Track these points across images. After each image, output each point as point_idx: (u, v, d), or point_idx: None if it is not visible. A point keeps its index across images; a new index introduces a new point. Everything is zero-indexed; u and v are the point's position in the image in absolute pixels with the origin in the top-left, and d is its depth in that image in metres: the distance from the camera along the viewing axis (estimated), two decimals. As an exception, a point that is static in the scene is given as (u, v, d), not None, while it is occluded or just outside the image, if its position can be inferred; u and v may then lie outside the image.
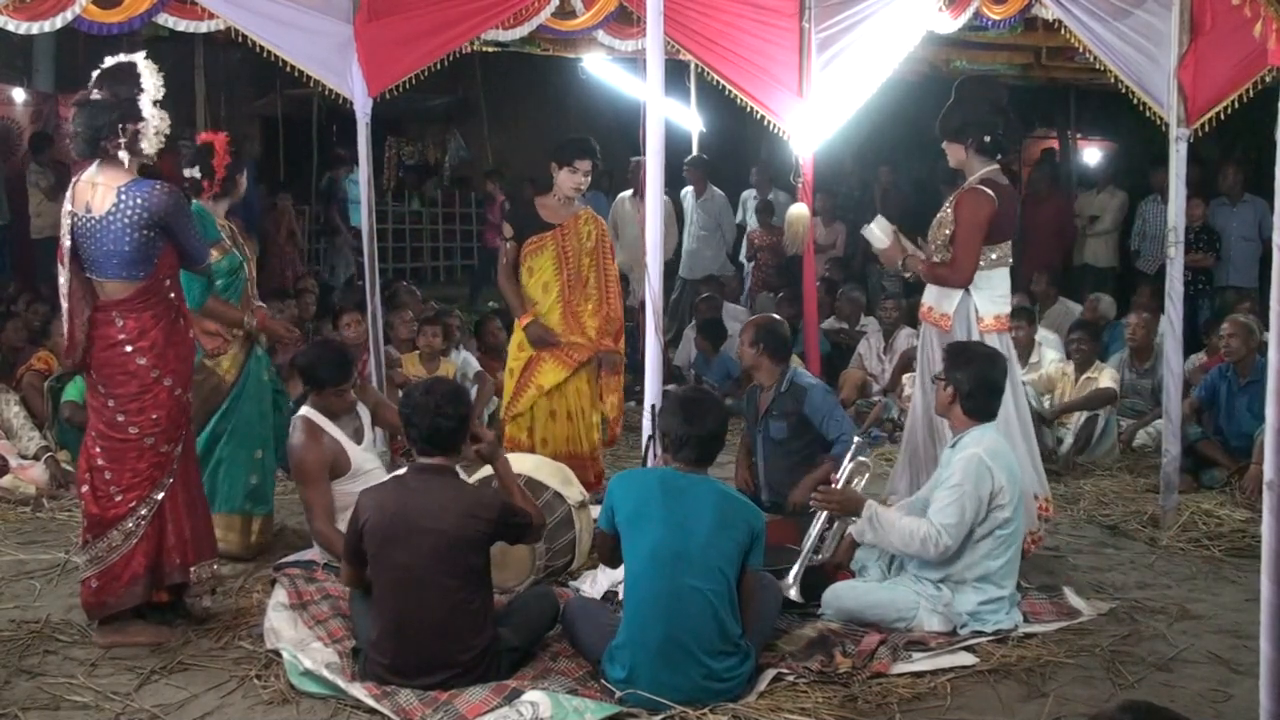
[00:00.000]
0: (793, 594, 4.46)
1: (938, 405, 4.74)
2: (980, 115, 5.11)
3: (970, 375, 4.55)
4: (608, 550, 4.10)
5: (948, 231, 5.09)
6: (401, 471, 4.25)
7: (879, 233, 5.27)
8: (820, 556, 4.59)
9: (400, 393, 6.09)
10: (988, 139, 5.09)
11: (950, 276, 5.07)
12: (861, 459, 4.72)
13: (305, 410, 5.08)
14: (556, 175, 5.95)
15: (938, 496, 4.47)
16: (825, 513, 4.60)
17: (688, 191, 11.00)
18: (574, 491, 5.13)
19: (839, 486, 4.59)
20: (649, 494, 3.94)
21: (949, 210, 5.12)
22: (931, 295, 5.21)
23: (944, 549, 4.39)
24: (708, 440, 4.00)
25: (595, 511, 4.68)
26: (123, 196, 4.17)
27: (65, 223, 4.28)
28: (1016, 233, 5.39)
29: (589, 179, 5.97)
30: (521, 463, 5.00)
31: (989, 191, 5.02)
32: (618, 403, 6.19)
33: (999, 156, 5.17)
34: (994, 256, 5.10)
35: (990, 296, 5.10)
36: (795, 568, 4.51)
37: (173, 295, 4.38)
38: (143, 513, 4.32)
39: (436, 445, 4.04)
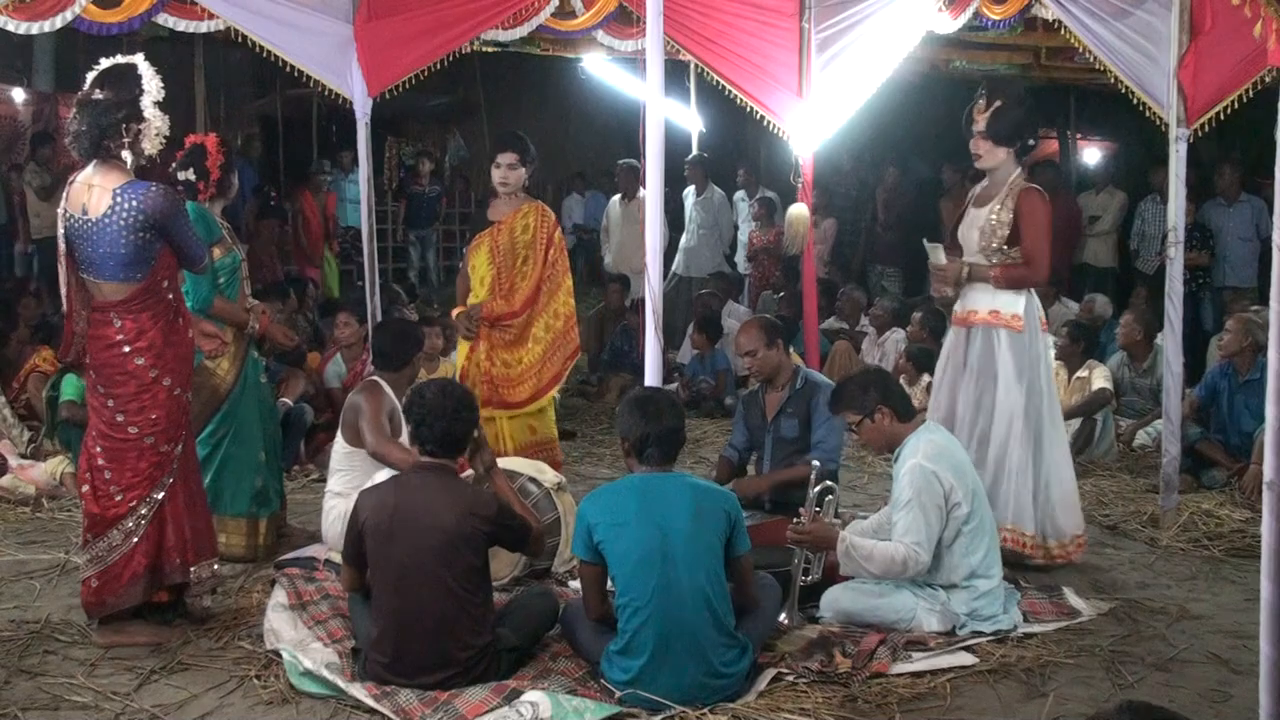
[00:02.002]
0: (784, 619, 4.43)
1: (879, 442, 4.69)
2: (1029, 119, 5.22)
3: (879, 389, 4.59)
4: (593, 584, 3.98)
5: (1005, 233, 5.11)
6: (401, 472, 4.25)
7: (937, 252, 5.31)
8: (809, 578, 4.57)
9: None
10: (1031, 142, 5.23)
11: (1031, 275, 5.12)
12: (828, 483, 4.65)
13: (375, 376, 5.18)
14: None
15: (898, 519, 4.45)
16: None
17: (689, 190, 11.02)
18: (548, 476, 5.19)
19: (807, 522, 4.51)
20: (623, 500, 3.93)
21: (1002, 212, 5.13)
22: (990, 299, 5.20)
23: (923, 565, 4.39)
24: (668, 436, 4.00)
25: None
26: (118, 198, 4.17)
27: (60, 225, 4.29)
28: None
29: (515, 170, 5.89)
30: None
31: (1043, 191, 5.15)
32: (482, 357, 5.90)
33: (1024, 159, 5.31)
34: None
35: (1037, 298, 5.24)
36: (789, 599, 4.47)
37: (171, 296, 4.37)
38: (143, 512, 4.32)
39: (445, 448, 4.06)
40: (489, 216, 6.01)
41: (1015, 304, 5.15)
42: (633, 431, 4.01)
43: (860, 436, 4.75)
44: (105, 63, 4.31)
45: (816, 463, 4.70)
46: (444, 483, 4.02)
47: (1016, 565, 5.08)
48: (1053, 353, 7.78)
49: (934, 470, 4.39)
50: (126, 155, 4.23)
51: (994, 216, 5.16)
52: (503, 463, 5.16)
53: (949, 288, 5.35)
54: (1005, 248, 5.14)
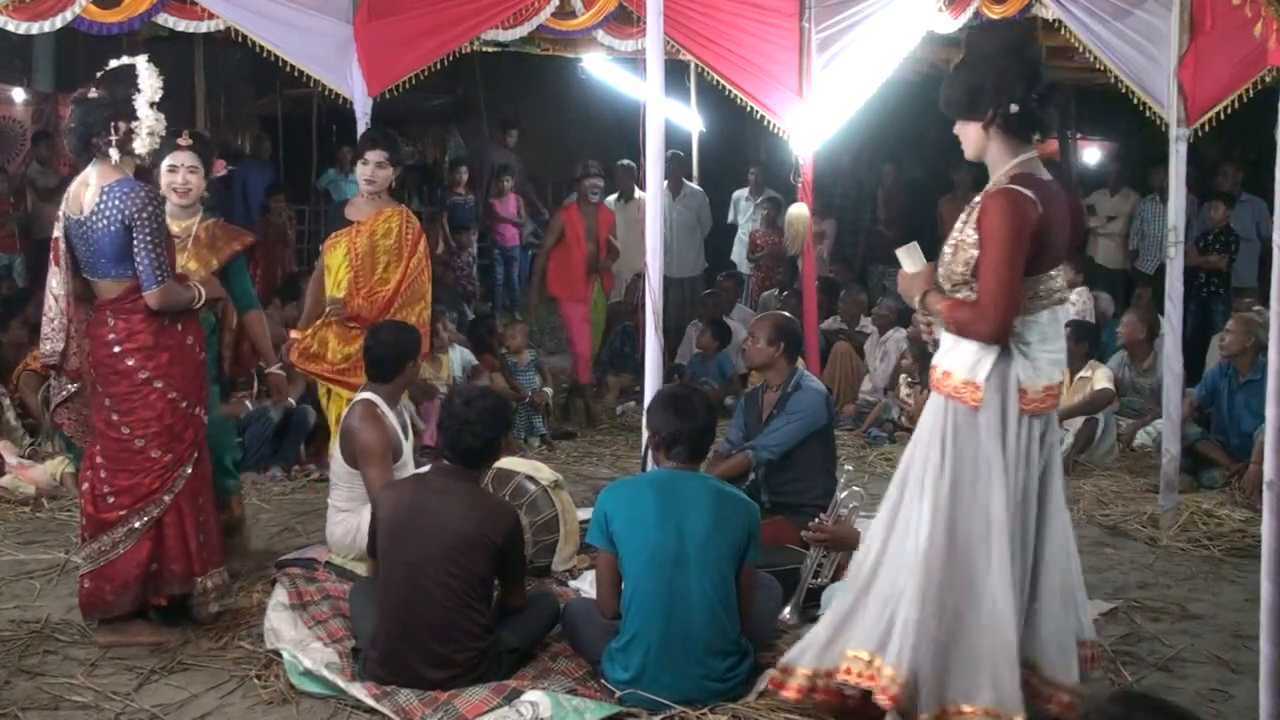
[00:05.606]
0: (788, 617, 4.44)
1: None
2: (1003, 76, 3.41)
3: None
4: (609, 572, 3.97)
5: (971, 254, 3.40)
6: (424, 470, 4.25)
7: (909, 259, 3.69)
8: (820, 580, 4.57)
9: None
10: (1015, 109, 3.40)
11: (975, 323, 3.36)
12: (855, 488, 4.64)
13: (367, 394, 4.94)
14: None
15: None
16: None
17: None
18: (544, 474, 5.20)
19: (829, 524, 4.51)
20: (642, 496, 3.94)
21: (968, 225, 3.43)
22: (952, 354, 3.48)
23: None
24: (699, 435, 4.01)
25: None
26: (104, 196, 4.19)
27: (59, 224, 4.31)
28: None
29: (383, 170, 5.60)
30: None
31: (1026, 192, 3.34)
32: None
33: (1037, 136, 3.49)
34: (1039, 290, 3.45)
35: (1037, 355, 3.44)
36: (795, 597, 4.48)
37: None
38: (135, 526, 4.29)
39: (461, 458, 4.06)
40: (347, 215, 5.72)
41: (978, 367, 3.40)
42: (662, 428, 4.02)
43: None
44: (112, 64, 4.33)
45: (848, 465, 4.73)
46: (464, 487, 4.03)
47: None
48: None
49: None
50: (114, 153, 4.21)
51: (959, 233, 3.47)
52: (499, 462, 5.16)
53: (918, 309, 3.65)
54: (969, 279, 3.44)
